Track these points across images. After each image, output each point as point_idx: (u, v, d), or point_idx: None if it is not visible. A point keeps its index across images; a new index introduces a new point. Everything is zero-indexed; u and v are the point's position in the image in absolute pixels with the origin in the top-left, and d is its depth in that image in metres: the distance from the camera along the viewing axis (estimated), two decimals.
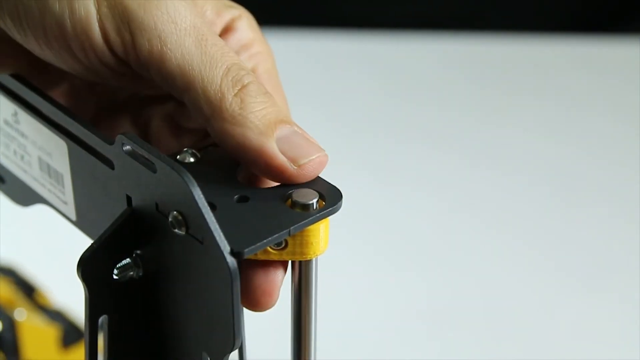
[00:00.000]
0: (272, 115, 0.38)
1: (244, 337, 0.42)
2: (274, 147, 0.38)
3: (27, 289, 0.70)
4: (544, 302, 0.88)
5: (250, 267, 0.39)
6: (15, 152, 0.44)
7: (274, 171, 0.38)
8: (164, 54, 0.38)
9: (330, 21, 1.26)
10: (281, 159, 0.38)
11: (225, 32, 0.42)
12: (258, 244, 0.36)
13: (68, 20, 0.38)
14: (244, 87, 0.38)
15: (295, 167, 0.38)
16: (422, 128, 1.11)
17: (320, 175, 0.40)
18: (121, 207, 0.39)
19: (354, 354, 0.81)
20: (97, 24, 0.38)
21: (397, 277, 0.90)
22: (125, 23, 0.38)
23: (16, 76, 0.42)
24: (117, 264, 0.38)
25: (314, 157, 0.38)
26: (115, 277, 0.38)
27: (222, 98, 0.38)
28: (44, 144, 0.42)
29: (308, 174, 0.38)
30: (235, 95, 0.38)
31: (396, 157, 1.06)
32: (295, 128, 0.39)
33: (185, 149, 0.40)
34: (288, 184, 0.39)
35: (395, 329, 0.84)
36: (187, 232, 0.36)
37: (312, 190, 0.38)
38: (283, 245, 0.38)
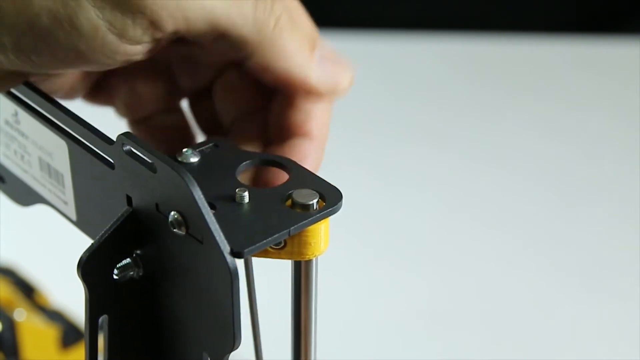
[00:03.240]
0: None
1: (260, 337, 0.42)
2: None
3: (27, 289, 0.70)
4: (544, 302, 0.88)
5: None
6: (15, 152, 0.44)
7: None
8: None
9: (330, 21, 1.26)
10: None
11: None
12: (258, 244, 0.36)
13: (79, 43, 0.36)
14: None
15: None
16: (422, 128, 1.11)
17: (320, 175, 0.40)
18: (121, 207, 0.38)
19: (353, 354, 0.81)
20: (108, 31, 0.36)
21: (397, 277, 0.90)
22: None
23: None
24: (117, 264, 0.38)
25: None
26: (115, 277, 0.38)
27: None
28: (44, 143, 0.42)
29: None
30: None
31: (396, 157, 1.06)
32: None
33: (185, 149, 0.40)
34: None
35: (395, 329, 0.84)
36: (187, 232, 0.36)
37: (312, 190, 0.38)
38: (282, 244, 0.38)
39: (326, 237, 0.39)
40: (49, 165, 0.43)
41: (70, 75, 0.43)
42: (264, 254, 0.38)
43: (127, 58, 0.38)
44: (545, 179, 1.03)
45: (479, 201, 1.00)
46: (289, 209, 0.38)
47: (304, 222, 0.37)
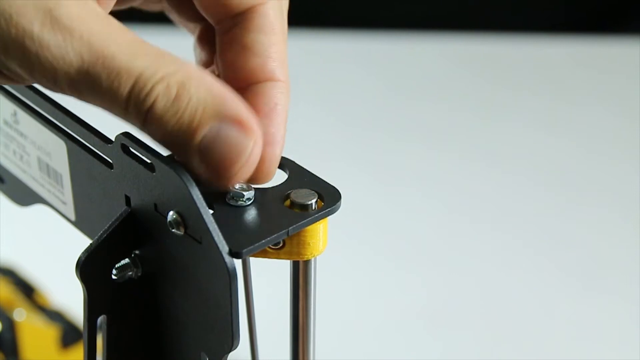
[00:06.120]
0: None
1: (256, 337, 0.42)
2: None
3: (27, 289, 0.70)
4: (544, 301, 0.88)
5: None
6: (14, 152, 0.44)
7: None
8: None
9: (330, 21, 1.26)
10: None
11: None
12: (256, 244, 0.36)
13: None
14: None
15: None
16: (421, 128, 1.11)
17: (319, 175, 0.40)
18: (120, 207, 0.38)
19: (353, 355, 0.81)
20: None
21: (397, 277, 0.90)
22: None
23: None
24: (116, 264, 0.38)
25: None
26: (114, 277, 0.38)
27: None
28: (43, 144, 0.42)
29: None
30: None
31: (396, 156, 1.06)
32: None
33: None
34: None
35: (395, 329, 0.84)
36: (185, 232, 0.36)
37: (311, 190, 0.38)
38: (281, 245, 0.38)
39: (325, 237, 0.39)
40: (47, 165, 0.43)
41: None
42: (263, 254, 0.38)
43: None
44: (545, 179, 1.03)
45: (479, 201, 1.00)
46: (288, 209, 0.38)
47: (303, 222, 0.37)
